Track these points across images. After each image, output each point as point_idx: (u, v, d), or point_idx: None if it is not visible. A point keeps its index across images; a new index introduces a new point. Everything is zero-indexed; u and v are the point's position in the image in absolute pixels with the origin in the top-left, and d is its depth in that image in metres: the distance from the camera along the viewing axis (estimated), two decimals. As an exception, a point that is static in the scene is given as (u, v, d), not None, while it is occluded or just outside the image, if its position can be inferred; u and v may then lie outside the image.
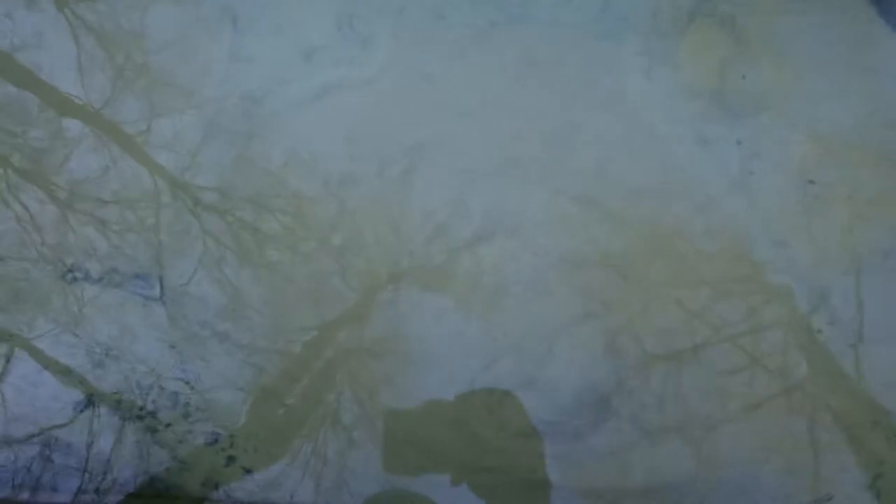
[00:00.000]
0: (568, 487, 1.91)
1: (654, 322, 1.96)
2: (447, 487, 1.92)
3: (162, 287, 2.02)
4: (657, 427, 1.92)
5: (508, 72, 2.09)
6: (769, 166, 2.02)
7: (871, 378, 1.92)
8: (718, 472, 1.91)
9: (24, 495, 1.95)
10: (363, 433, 1.94)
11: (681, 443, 1.92)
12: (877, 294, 1.95)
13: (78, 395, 1.98)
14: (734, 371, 1.94)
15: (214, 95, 2.08)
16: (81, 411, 1.98)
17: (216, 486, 1.93)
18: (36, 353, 2.00)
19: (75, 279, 2.00)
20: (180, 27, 2.10)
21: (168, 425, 1.96)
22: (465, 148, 2.06)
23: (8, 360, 2.00)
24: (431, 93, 2.08)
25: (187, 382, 1.98)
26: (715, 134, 2.04)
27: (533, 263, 2.00)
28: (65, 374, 1.99)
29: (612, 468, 1.92)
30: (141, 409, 1.96)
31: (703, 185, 2.02)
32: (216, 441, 1.94)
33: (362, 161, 2.06)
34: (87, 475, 1.94)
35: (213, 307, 2.00)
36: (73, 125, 2.07)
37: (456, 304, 1.99)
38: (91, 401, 1.97)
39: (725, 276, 1.98)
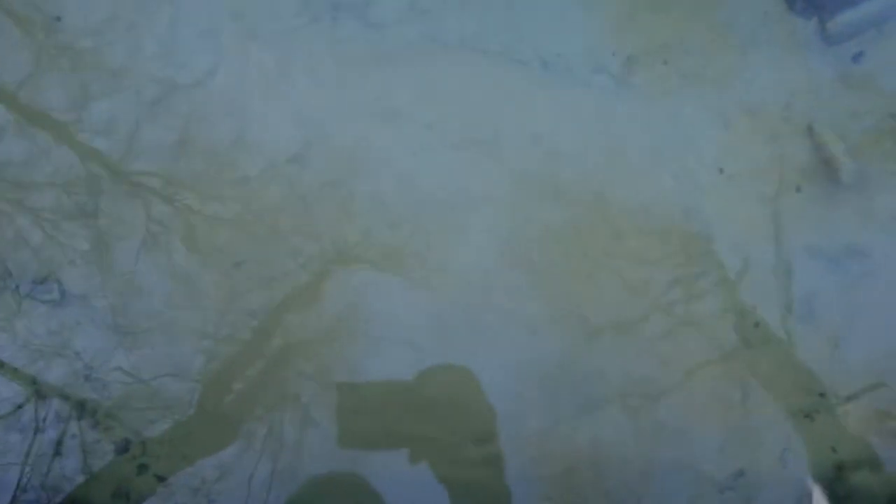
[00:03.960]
0: (518, 459, 1.89)
1: (596, 294, 1.96)
2: (404, 464, 1.88)
3: (62, 290, 1.90)
4: (599, 396, 1.91)
5: (453, 54, 2.07)
6: (704, 141, 2.03)
7: (802, 346, 1.94)
8: (658, 439, 1.89)
9: None
10: (318, 412, 1.90)
11: (621, 411, 1.90)
12: (805, 264, 1.97)
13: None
14: (672, 340, 1.93)
15: (152, 77, 2.01)
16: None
17: (127, 498, 1.81)
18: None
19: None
20: (115, 5, 2.03)
21: (73, 436, 1.83)
22: (413, 130, 2.03)
23: None
24: (379, 77, 2.05)
25: (129, 374, 1.88)
26: (654, 110, 2.05)
27: (479, 240, 1.99)
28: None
29: (559, 438, 1.90)
30: (43, 421, 1.84)
31: (642, 161, 2.02)
32: (127, 449, 1.83)
33: (310, 142, 2.01)
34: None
35: (157, 295, 1.92)
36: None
37: (405, 282, 1.97)
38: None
39: (663, 249, 1.99)
